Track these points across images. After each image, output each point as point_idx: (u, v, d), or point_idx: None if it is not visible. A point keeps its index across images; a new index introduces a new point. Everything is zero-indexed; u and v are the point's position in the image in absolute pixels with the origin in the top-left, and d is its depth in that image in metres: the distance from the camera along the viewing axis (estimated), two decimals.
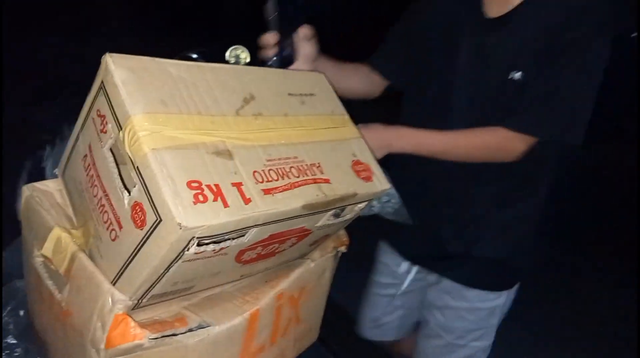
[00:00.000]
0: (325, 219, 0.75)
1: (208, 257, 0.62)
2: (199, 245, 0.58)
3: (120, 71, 0.60)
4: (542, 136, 0.99)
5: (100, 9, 5.46)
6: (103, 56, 0.62)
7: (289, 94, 0.79)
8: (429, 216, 1.16)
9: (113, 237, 0.63)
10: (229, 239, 0.61)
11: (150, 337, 0.65)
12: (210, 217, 0.56)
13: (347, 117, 0.85)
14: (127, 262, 0.61)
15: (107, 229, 0.63)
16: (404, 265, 1.31)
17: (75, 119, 0.70)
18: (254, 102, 0.72)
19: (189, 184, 0.56)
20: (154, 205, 0.55)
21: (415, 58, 1.18)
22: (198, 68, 0.70)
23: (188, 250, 0.58)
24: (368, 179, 0.78)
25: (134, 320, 0.64)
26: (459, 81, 1.07)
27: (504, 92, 1.00)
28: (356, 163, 0.79)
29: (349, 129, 0.83)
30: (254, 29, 0.98)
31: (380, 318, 1.43)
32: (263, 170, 0.65)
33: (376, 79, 1.27)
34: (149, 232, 0.57)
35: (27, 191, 0.77)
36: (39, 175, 0.85)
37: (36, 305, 0.82)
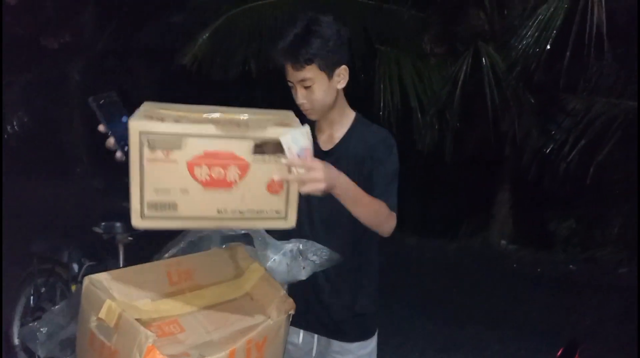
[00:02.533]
0: (252, 149, 1.11)
1: (163, 161, 1.06)
2: (149, 147, 1.04)
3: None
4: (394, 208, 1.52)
5: None
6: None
7: None
8: (319, 302, 1.63)
9: None
10: (170, 144, 1.05)
11: None
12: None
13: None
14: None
15: None
16: (302, 334, 1.69)
17: None
18: None
19: None
20: None
21: None
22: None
23: (144, 147, 1.03)
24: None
25: (160, 352, 1.07)
26: None
27: None
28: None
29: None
30: None
31: None
32: None
33: None
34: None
35: (87, 280, 1.21)
36: None
37: (87, 356, 1.22)
